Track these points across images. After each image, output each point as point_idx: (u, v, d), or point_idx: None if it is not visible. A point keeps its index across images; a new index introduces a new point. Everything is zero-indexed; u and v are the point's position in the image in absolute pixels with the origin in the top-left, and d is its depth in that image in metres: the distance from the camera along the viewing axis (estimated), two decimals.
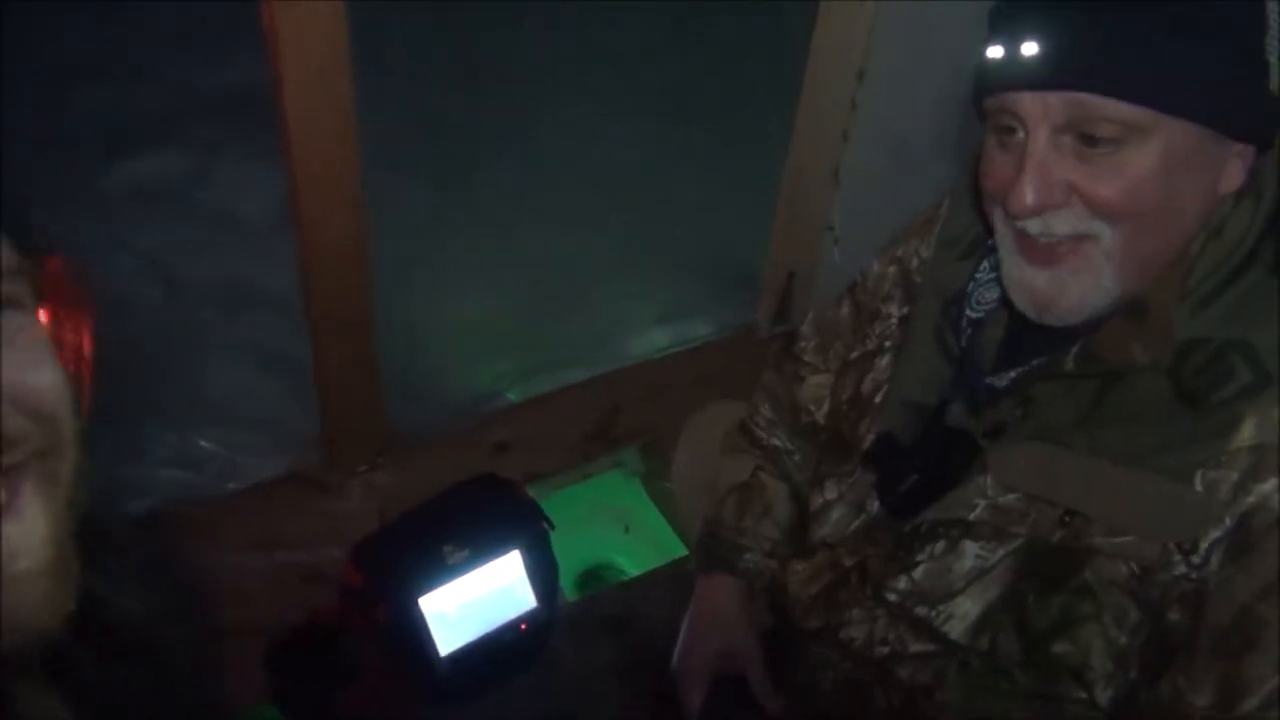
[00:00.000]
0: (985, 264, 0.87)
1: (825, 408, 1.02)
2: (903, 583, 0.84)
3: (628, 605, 1.37)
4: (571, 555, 1.63)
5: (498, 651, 1.22)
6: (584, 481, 1.79)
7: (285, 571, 1.42)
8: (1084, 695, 0.75)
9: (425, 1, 2.67)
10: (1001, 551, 0.79)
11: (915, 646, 0.85)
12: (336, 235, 1.30)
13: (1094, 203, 0.70)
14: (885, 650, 0.87)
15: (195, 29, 2.55)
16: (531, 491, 1.37)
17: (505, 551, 1.21)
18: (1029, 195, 0.70)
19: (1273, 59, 0.68)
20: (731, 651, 1.02)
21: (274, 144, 1.27)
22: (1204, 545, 0.70)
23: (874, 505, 0.91)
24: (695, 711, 1.02)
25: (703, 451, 1.18)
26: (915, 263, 0.95)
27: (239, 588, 1.39)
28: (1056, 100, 0.68)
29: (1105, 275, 0.73)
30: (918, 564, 0.83)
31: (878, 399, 0.93)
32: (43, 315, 0.94)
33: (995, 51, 0.71)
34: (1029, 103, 0.70)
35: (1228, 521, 0.69)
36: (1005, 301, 0.81)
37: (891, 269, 0.97)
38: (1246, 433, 0.68)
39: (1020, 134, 0.72)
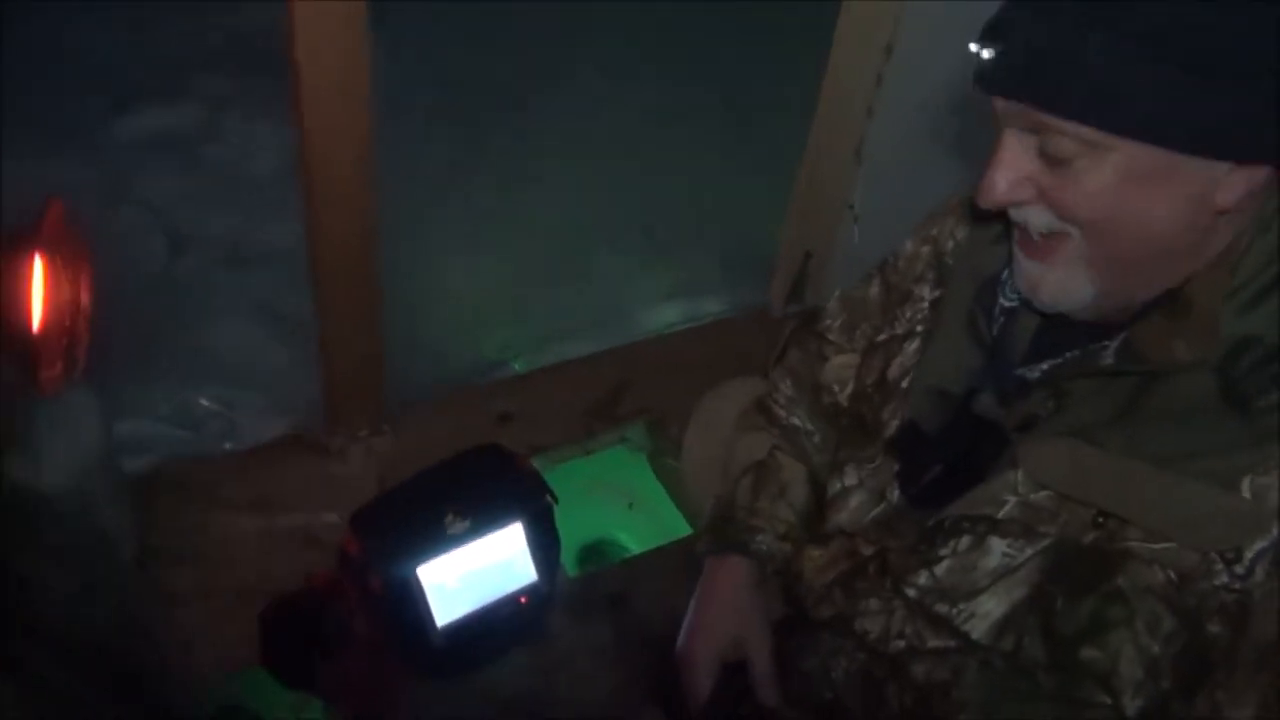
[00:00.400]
0: None
1: (849, 389, 0.99)
2: (923, 578, 0.81)
3: (628, 583, 1.35)
4: (573, 530, 1.60)
5: (495, 625, 1.19)
6: (587, 456, 1.76)
7: (281, 534, 1.40)
8: (1109, 702, 0.72)
9: None
10: (1030, 551, 0.76)
11: (933, 642, 0.82)
12: (344, 189, 1.27)
13: (1054, 207, 0.70)
14: (901, 645, 0.84)
15: None
16: (534, 464, 1.34)
17: (508, 523, 1.18)
18: (994, 188, 0.71)
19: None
20: (741, 637, 0.99)
21: (284, 99, 1.23)
22: (1249, 555, 0.67)
23: (895, 494, 0.88)
24: (699, 696, 0.99)
25: (716, 429, 1.15)
26: (950, 244, 0.91)
27: (233, 549, 1.37)
28: (1017, 107, 0.68)
29: (1079, 273, 0.73)
30: (940, 559, 0.80)
31: (904, 384, 0.90)
32: (38, 262, 0.91)
33: (974, 48, 0.70)
34: (999, 102, 0.70)
35: (1275, 531, 0.66)
36: None
37: (925, 249, 0.94)
38: None
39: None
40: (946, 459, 0.84)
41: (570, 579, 1.40)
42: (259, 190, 2.04)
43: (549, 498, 1.23)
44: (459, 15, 2.51)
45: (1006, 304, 0.83)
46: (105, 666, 0.65)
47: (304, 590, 1.12)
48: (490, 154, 2.19)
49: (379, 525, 1.14)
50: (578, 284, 1.95)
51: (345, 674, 1.12)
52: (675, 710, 1.09)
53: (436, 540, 1.13)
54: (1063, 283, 0.74)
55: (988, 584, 0.77)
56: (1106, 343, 0.75)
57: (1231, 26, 0.61)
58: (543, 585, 1.21)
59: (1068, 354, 0.78)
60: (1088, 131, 0.66)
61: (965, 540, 0.79)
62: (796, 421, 1.06)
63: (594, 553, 1.72)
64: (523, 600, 1.21)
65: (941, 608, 0.80)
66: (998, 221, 0.85)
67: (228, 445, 1.56)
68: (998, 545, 0.77)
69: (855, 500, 0.91)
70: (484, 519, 1.17)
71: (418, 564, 1.12)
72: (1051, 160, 0.69)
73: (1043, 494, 0.75)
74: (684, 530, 1.61)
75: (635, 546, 1.70)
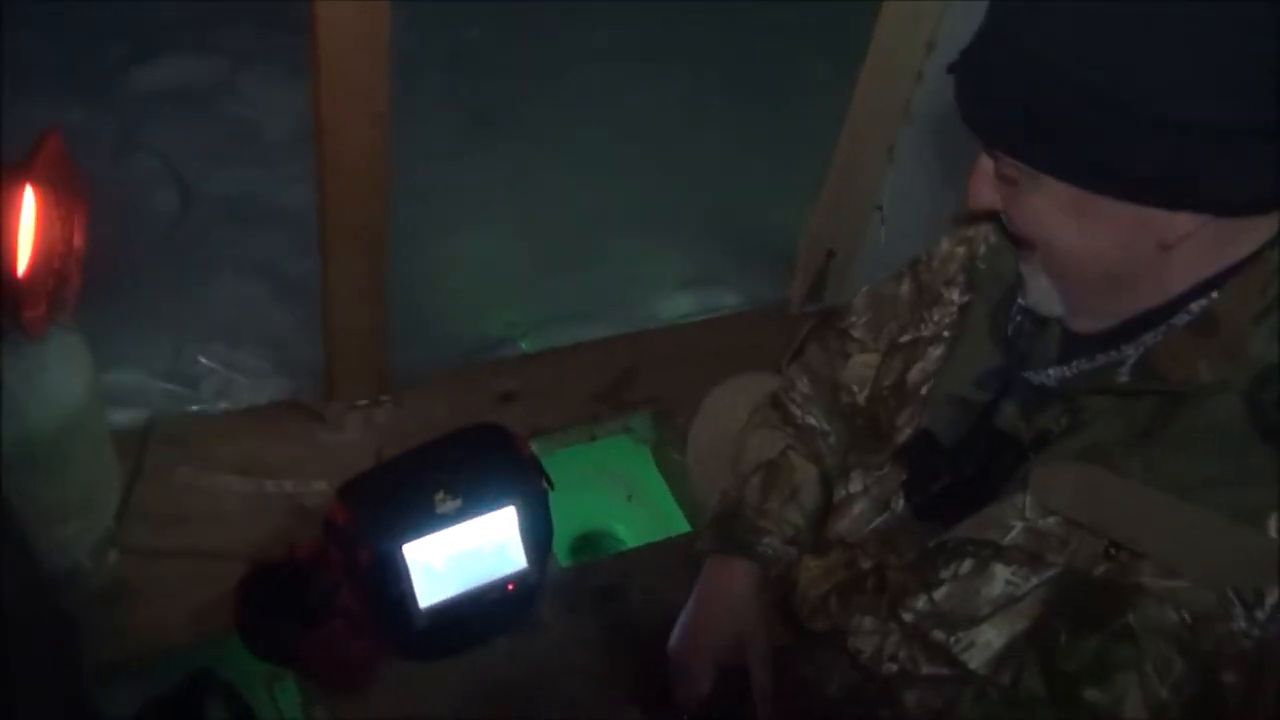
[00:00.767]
0: None
1: (868, 390, 0.94)
2: (921, 602, 0.78)
3: (621, 576, 1.31)
4: (569, 518, 1.56)
5: (481, 610, 1.16)
6: (590, 443, 1.71)
7: (269, 500, 1.37)
8: None
9: None
10: (1035, 580, 0.72)
11: (928, 669, 0.78)
12: (357, 148, 1.23)
13: (1012, 223, 0.74)
14: (894, 668, 0.80)
15: None
16: (533, 447, 1.30)
17: (500, 507, 1.14)
18: (977, 193, 0.74)
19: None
20: (740, 642, 0.94)
21: (304, 56, 1.19)
22: (1271, 599, 0.62)
23: (899, 505, 0.84)
24: (692, 698, 0.95)
25: (725, 422, 1.10)
26: (982, 248, 0.87)
27: (219, 511, 1.33)
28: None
29: (1046, 285, 0.75)
30: (940, 583, 0.77)
31: (923, 391, 0.86)
32: (30, 194, 0.87)
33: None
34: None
35: None
36: None
37: (960, 250, 0.90)
38: None
39: None
40: (959, 471, 0.80)
41: (562, 568, 1.36)
42: (273, 149, 2.01)
43: (545, 483, 1.19)
44: None
45: (1024, 302, 0.81)
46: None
47: (287, 559, 1.09)
48: (510, 129, 2.15)
49: (367, 497, 1.11)
50: (592, 266, 1.91)
51: (324, 647, 1.09)
52: (656, 710, 1.05)
53: (425, 518, 1.10)
54: (1040, 289, 0.76)
55: (988, 613, 0.74)
56: (1117, 353, 0.72)
57: (1162, 74, 0.61)
58: (532, 573, 1.18)
59: (1075, 361, 0.75)
60: (1020, 167, 0.68)
61: (967, 564, 0.76)
62: (812, 421, 1.01)
63: (588, 543, 1.68)
64: (510, 587, 1.17)
65: (938, 634, 0.77)
66: None
67: (223, 405, 1.53)
68: (1001, 572, 0.73)
69: (858, 508, 0.87)
70: (476, 500, 1.13)
71: (404, 541, 1.09)
72: (1003, 180, 0.72)
73: (1051, 520, 0.71)
74: (683, 527, 1.57)
75: (631, 540, 1.66)
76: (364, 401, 1.51)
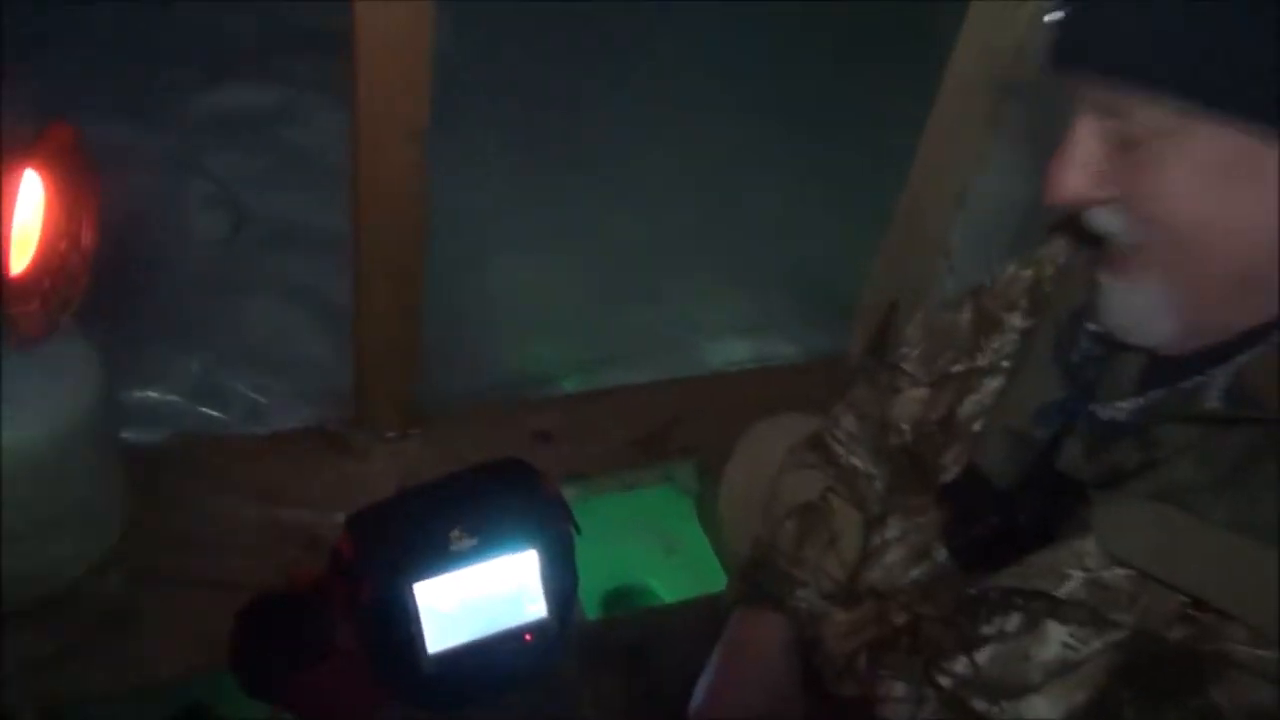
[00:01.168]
0: None
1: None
2: (960, 665, 0.67)
3: (651, 635, 1.22)
4: (601, 569, 1.47)
5: (494, 661, 1.06)
6: (628, 491, 1.63)
7: (282, 529, 1.30)
8: None
9: None
10: (1097, 643, 0.62)
11: None
12: (394, 166, 1.19)
13: (1129, 206, 0.61)
14: None
15: None
16: (568, 491, 1.22)
17: (521, 549, 1.06)
18: (1061, 183, 0.62)
19: None
20: (772, 707, 0.84)
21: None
22: None
23: (941, 553, 0.75)
24: None
25: (764, 465, 1.01)
26: (1050, 269, 0.78)
27: (228, 538, 1.27)
28: (1089, 84, 0.59)
29: (1159, 296, 0.62)
30: (982, 641, 0.66)
31: (976, 427, 0.76)
32: (38, 183, 0.81)
33: (1051, 15, 0.61)
34: (1071, 82, 0.61)
35: None
36: None
37: (1026, 272, 0.81)
38: None
39: None
40: (1011, 515, 0.70)
41: (588, 622, 1.26)
42: (326, 176, 1.99)
43: (571, 528, 1.11)
44: (534, 11, 2.42)
45: (1093, 327, 0.70)
46: None
47: (285, 591, 1.01)
48: (560, 161, 2.10)
49: (377, 529, 1.03)
50: (639, 306, 1.85)
51: (320, 688, 1.00)
52: None
53: (438, 556, 1.02)
54: (1140, 306, 0.64)
55: (1040, 681, 0.63)
56: (1203, 377, 0.61)
57: None
58: (553, 624, 1.09)
59: (1151, 391, 0.65)
60: (1164, 116, 0.56)
61: (1015, 620, 0.65)
62: (857, 462, 0.92)
63: (621, 597, 1.58)
64: (528, 638, 1.08)
65: (980, 704, 0.66)
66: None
67: (247, 428, 1.48)
68: (1056, 632, 0.63)
69: (893, 555, 0.78)
70: (495, 540, 1.05)
71: (413, 580, 1.00)
72: (1127, 149, 0.59)
73: (1119, 572, 0.60)
74: (722, 585, 1.47)
75: (667, 596, 1.56)
76: (392, 433, 1.45)
